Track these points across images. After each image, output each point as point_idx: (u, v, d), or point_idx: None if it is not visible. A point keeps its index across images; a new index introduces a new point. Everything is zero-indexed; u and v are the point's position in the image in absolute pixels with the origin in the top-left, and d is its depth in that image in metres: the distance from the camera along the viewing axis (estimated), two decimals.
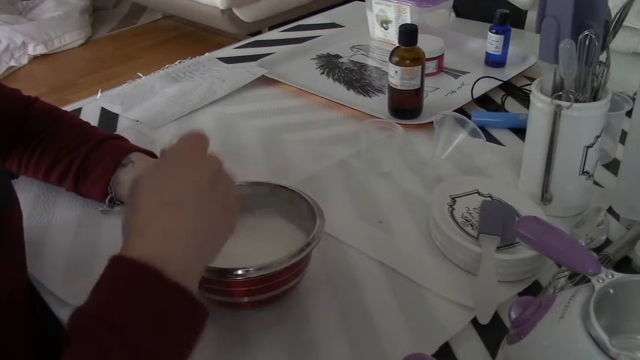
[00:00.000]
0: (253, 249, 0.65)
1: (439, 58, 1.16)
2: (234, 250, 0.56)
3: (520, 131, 0.93)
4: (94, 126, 0.87)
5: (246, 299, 0.62)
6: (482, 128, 0.90)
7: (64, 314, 0.66)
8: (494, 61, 1.17)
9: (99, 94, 1.13)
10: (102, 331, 0.43)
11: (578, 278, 0.64)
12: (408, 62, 0.95)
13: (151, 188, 0.51)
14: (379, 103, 1.06)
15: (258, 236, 0.68)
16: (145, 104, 1.09)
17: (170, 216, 0.49)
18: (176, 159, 0.54)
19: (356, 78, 1.17)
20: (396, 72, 0.96)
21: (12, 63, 3.24)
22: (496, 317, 0.63)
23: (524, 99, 1.06)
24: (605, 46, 0.69)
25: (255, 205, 0.69)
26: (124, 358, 0.42)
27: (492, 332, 0.61)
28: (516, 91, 1.09)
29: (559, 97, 0.70)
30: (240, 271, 0.58)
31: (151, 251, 0.46)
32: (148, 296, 0.45)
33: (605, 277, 0.49)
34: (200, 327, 0.48)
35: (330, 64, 1.23)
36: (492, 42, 1.16)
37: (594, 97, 0.71)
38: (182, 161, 0.54)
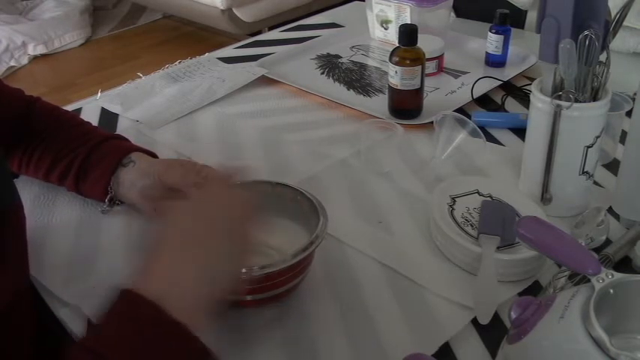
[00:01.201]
0: (256, 248, 0.65)
1: (439, 58, 1.16)
2: None
3: (520, 131, 0.93)
4: (94, 126, 0.87)
5: (249, 297, 0.62)
6: (482, 128, 0.90)
7: (64, 314, 0.66)
8: (494, 61, 1.17)
9: (99, 94, 1.13)
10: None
11: (578, 278, 0.64)
12: (408, 62, 0.95)
13: (175, 223, 0.52)
14: (379, 103, 1.06)
15: (261, 235, 0.68)
16: (145, 104, 1.09)
17: (184, 255, 0.49)
18: (205, 195, 0.55)
19: (356, 78, 1.17)
20: (396, 72, 0.96)
21: (12, 63, 3.24)
22: (496, 317, 0.63)
23: (524, 99, 1.06)
24: (605, 46, 0.69)
25: (257, 204, 0.69)
26: None
27: (492, 332, 0.61)
28: (516, 91, 1.09)
29: (559, 97, 0.70)
30: (243, 270, 0.58)
31: (157, 287, 0.46)
32: (146, 331, 0.44)
33: (605, 277, 0.49)
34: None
35: (330, 64, 1.23)
36: (492, 42, 1.16)
37: (594, 97, 0.71)
38: (210, 199, 0.55)
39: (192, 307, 0.47)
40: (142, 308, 0.45)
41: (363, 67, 1.22)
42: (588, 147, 0.72)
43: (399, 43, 0.97)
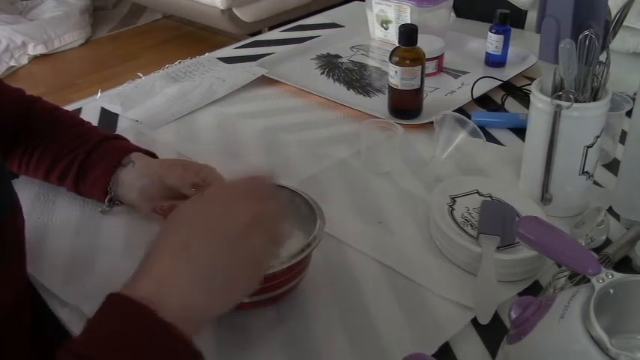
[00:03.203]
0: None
1: (439, 58, 1.16)
2: None
3: (520, 131, 0.93)
4: (94, 126, 0.87)
5: (246, 299, 0.62)
6: (483, 128, 0.89)
7: (64, 314, 0.66)
8: (494, 61, 1.17)
9: (99, 94, 1.13)
10: None
11: (578, 278, 0.64)
12: (408, 62, 0.95)
13: (174, 226, 0.49)
14: (379, 103, 1.06)
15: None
16: (145, 104, 1.09)
17: (176, 260, 0.47)
18: (214, 200, 0.51)
19: (356, 78, 1.17)
20: (396, 72, 0.96)
21: (12, 63, 3.24)
22: (496, 317, 0.63)
23: (524, 99, 1.06)
24: (605, 46, 0.69)
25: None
26: None
27: (492, 332, 0.61)
28: (516, 91, 1.09)
29: (559, 97, 0.70)
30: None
31: (147, 291, 0.45)
32: (134, 335, 0.43)
33: (605, 277, 0.49)
34: None
35: (330, 64, 1.23)
36: (492, 42, 1.16)
37: (594, 97, 0.71)
38: (218, 205, 0.51)
39: (184, 310, 0.45)
40: (129, 310, 0.44)
41: (363, 67, 1.22)
42: (588, 147, 0.72)
43: (399, 43, 0.97)
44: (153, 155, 0.82)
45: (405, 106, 1.00)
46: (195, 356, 0.45)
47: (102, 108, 1.09)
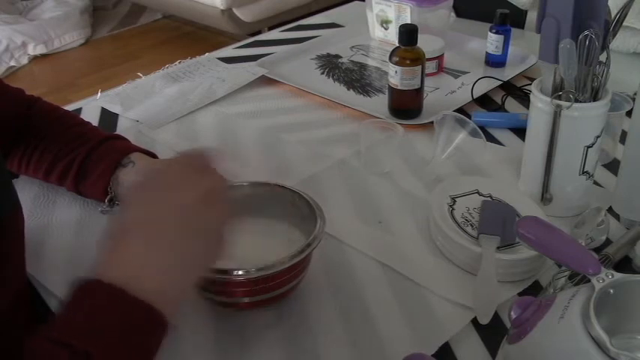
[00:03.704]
0: (254, 249, 0.65)
1: (439, 58, 1.16)
2: (234, 251, 0.56)
3: (520, 131, 0.93)
4: (94, 126, 0.87)
5: (246, 299, 0.62)
6: (482, 128, 0.90)
7: None
8: (494, 61, 1.17)
9: (99, 94, 1.13)
10: (57, 351, 0.41)
11: (578, 278, 0.64)
12: (408, 62, 0.95)
13: (131, 207, 0.51)
14: (379, 103, 1.06)
15: (259, 236, 0.68)
16: (145, 104, 1.09)
17: (142, 237, 0.48)
18: (165, 178, 0.53)
19: (356, 78, 1.17)
20: (396, 72, 0.96)
21: (12, 63, 3.24)
22: (496, 317, 0.63)
23: (524, 99, 1.06)
24: (605, 46, 0.69)
25: (255, 206, 0.69)
26: None
27: (492, 332, 0.61)
28: (516, 91, 1.09)
29: (559, 97, 0.70)
30: (240, 272, 0.58)
31: (120, 273, 0.45)
32: (110, 315, 0.44)
33: (605, 277, 0.49)
34: (158, 336, 0.46)
35: (330, 64, 1.23)
36: (492, 42, 1.16)
37: (594, 97, 0.71)
38: (170, 181, 0.52)
39: (152, 289, 0.45)
40: (103, 291, 0.44)
41: (363, 67, 1.22)
42: (588, 147, 0.72)
43: (399, 43, 0.97)
44: (153, 155, 0.82)
45: (405, 106, 1.00)
46: (166, 327, 0.46)
47: (102, 108, 1.09)
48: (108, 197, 0.79)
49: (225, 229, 0.52)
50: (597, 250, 0.69)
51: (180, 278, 0.49)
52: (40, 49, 3.34)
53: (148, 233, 0.48)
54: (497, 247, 0.68)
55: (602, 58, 0.70)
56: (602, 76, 0.70)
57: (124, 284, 0.44)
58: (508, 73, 1.12)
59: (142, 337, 0.44)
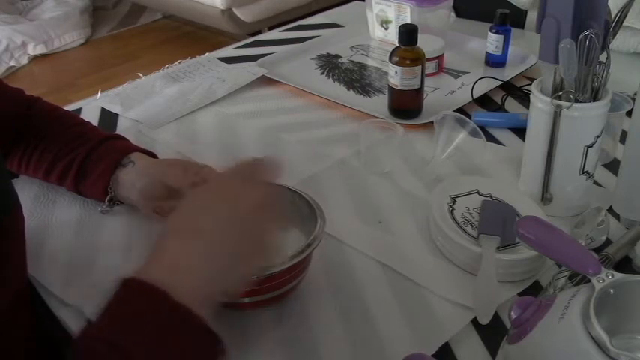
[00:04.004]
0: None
1: (439, 58, 1.16)
2: None
3: (520, 131, 0.93)
4: (94, 126, 0.87)
5: (246, 299, 0.62)
6: (482, 128, 0.90)
7: (64, 314, 0.66)
8: (494, 61, 1.17)
9: (99, 94, 1.13)
10: (107, 352, 0.42)
11: (578, 278, 0.64)
12: (408, 62, 0.95)
13: (182, 214, 0.51)
14: (379, 103, 1.06)
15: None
16: (145, 104, 1.09)
17: (187, 244, 0.49)
18: (218, 187, 0.54)
19: (356, 78, 1.17)
20: (396, 72, 0.96)
21: (12, 63, 3.24)
22: (496, 317, 0.63)
23: (524, 99, 1.06)
24: (605, 46, 0.69)
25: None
26: None
27: (492, 332, 0.61)
28: (516, 91, 1.09)
29: (559, 97, 0.70)
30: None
31: (160, 275, 0.46)
32: (151, 316, 0.44)
33: (605, 277, 0.49)
34: (212, 352, 0.46)
35: (330, 64, 1.23)
36: (492, 42, 1.16)
37: (594, 97, 0.71)
38: (222, 190, 0.53)
39: (194, 295, 0.46)
40: (145, 293, 0.45)
41: (363, 67, 1.22)
42: (588, 147, 0.72)
43: (399, 43, 0.97)
44: (153, 155, 0.82)
45: (405, 106, 1.00)
46: (211, 335, 0.46)
47: (102, 108, 1.09)
48: (108, 197, 0.79)
49: (271, 241, 0.53)
50: (597, 250, 0.69)
51: (221, 287, 0.49)
52: (40, 49, 3.34)
53: (197, 240, 0.49)
54: (497, 247, 0.68)
55: (602, 58, 0.70)
56: (602, 76, 0.70)
57: (164, 285, 0.45)
58: (508, 73, 1.12)
59: (180, 339, 0.45)
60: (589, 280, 0.49)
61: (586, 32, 0.67)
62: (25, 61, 3.29)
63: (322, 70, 1.20)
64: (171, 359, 0.44)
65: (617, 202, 0.76)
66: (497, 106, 1.06)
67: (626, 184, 0.74)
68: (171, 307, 0.44)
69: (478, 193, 0.78)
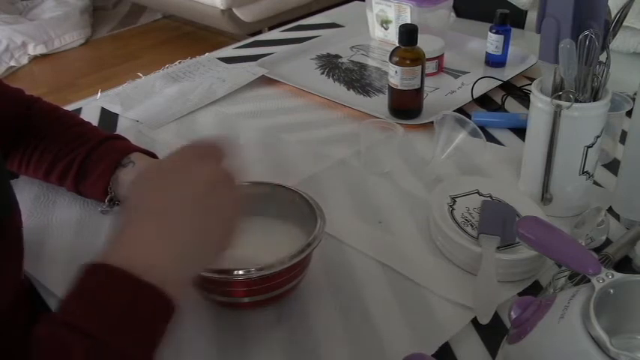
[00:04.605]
0: (254, 249, 0.65)
1: (439, 58, 1.16)
2: (234, 251, 0.56)
3: (520, 131, 0.93)
4: (94, 126, 0.87)
5: (246, 299, 0.62)
6: (482, 128, 0.90)
7: None
8: (494, 61, 1.17)
9: (99, 94, 1.13)
10: (66, 335, 0.41)
11: (578, 278, 0.64)
12: (408, 62, 0.95)
13: (137, 195, 0.50)
14: (379, 103, 1.06)
15: (259, 236, 0.68)
16: (145, 104, 1.09)
17: (147, 224, 0.47)
18: (172, 167, 0.52)
19: (356, 78, 1.17)
20: (396, 72, 0.96)
21: (12, 63, 3.24)
22: (496, 317, 0.63)
23: (524, 99, 1.06)
24: (605, 46, 0.69)
25: (255, 206, 0.69)
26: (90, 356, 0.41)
27: (492, 332, 0.61)
28: (516, 91, 1.09)
29: (559, 97, 0.70)
30: (241, 272, 0.58)
31: (120, 256, 0.45)
32: (111, 295, 0.43)
33: (605, 277, 0.49)
34: (170, 324, 0.46)
35: (330, 64, 1.23)
36: (492, 42, 1.16)
37: (594, 97, 0.71)
38: (177, 169, 0.51)
39: (155, 272, 0.45)
40: (107, 273, 0.44)
41: (363, 67, 1.22)
42: (588, 147, 0.72)
43: (399, 43, 0.97)
44: (153, 155, 0.82)
45: (405, 106, 1.00)
46: (170, 306, 0.45)
47: (102, 108, 1.09)
48: (108, 197, 0.79)
49: (236, 217, 0.52)
50: (597, 250, 0.69)
51: (187, 263, 0.48)
52: (40, 49, 3.34)
53: (156, 217, 0.48)
54: (497, 247, 0.68)
55: (602, 58, 0.70)
56: (602, 76, 0.70)
57: (128, 266, 0.44)
58: (508, 73, 1.12)
59: (146, 317, 0.44)
60: (589, 280, 0.49)
61: (586, 32, 0.67)
62: (25, 61, 3.29)
63: (322, 70, 1.20)
64: (130, 333, 0.43)
65: (617, 202, 0.76)
66: (497, 106, 1.06)
67: (626, 184, 0.74)
68: (134, 285, 0.43)
69: (478, 193, 0.78)
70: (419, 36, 0.96)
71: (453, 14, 1.37)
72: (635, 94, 0.74)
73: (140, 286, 0.44)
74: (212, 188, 0.50)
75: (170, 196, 0.49)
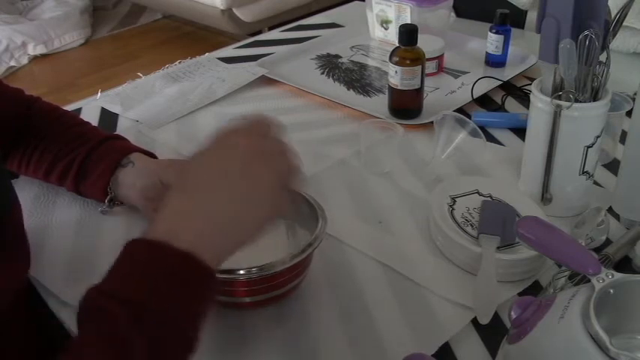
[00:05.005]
0: (254, 249, 0.65)
1: (439, 58, 1.16)
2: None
3: (520, 131, 0.93)
4: (94, 126, 0.87)
5: (247, 299, 0.62)
6: (482, 128, 0.90)
7: (64, 314, 0.66)
8: (494, 61, 1.17)
9: (99, 94, 1.13)
10: (110, 305, 0.43)
11: (578, 278, 0.64)
12: (408, 62, 0.95)
13: (181, 176, 0.52)
14: (379, 103, 1.06)
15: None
16: (145, 104, 1.09)
17: (187, 199, 0.49)
18: (215, 144, 0.53)
19: (356, 78, 1.17)
20: (396, 72, 0.96)
21: (12, 63, 3.24)
22: (496, 317, 0.63)
23: (524, 99, 1.06)
24: (605, 46, 0.69)
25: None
26: (134, 328, 0.42)
27: (492, 332, 0.61)
28: (516, 91, 1.09)
29: (559, 97, 0.70)
30: (242, 272, 0.58)
31: (159, 230, 0.47)
32: (148, 264, 0.45)
33: (605, 277, 0.49)
34: (210, 291, 0.47)
35: (330, 64, 1.23)
36: (492, 42, 1.16)
37: (594, 97, 0.71)
38: (219, 147, 0.52)
39: (198, 245, 0.46)
40: (144, 246, 0.46)
41: (363, 67, 1.22)
42: (588, 147, 0.72)
43: (399, 43, 0.97)
44: (153, 155, 0.82)
45: (405, 106, 1.00)
46: (212, 278, 0.46)
47: (102, 108, 1.09)
48: (108, 197, 0.79)
49: (285, 186, 0.52)
50: (597, 250, 0.69)
51: (227, 233, 0.49)
52: (40, 49, 3.34)
53: (196, 190, 0.49)
54: (497, 247, 0.68)
55: (602, 58, 0.70)
56: (602, 76, 0.70)
57: (167, 237, 0.45)
58: (508, 73, 1.12)
59: (185, 284, 0.45)
60: (589, 280, 0.49)
61: (586, 32, 0.67)
62: (25, 61, 3.29)
63: (322, 70, 1.20)
64: (174, 303, 0.45)
65: (617, 202, 0.76)
66: (497, 106, 1.06)
67: (626, 184, 0.74)
68: (170, 254, 0.45)
69: (478, 193, 0.78)
70: (419, 36, 0.96)
71: (453, 14, 1.37)
72: (635, 94, 0.74)
73: (177, 253, 0.45)
74: (250, 160, 0.50)
75: (213, 170, 0.50)
